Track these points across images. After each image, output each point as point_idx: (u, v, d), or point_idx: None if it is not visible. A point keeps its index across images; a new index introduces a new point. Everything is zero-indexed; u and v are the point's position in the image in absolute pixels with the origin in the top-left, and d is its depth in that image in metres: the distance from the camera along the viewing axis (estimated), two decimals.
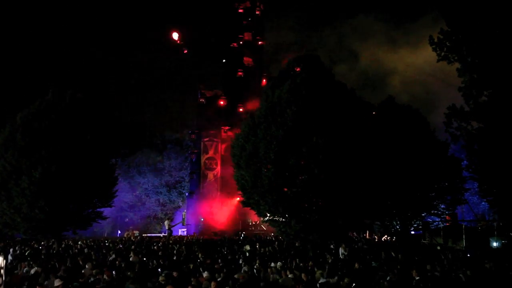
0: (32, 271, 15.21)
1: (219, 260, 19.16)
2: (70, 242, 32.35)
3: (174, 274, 13.55)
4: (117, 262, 17.96)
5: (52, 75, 65.86)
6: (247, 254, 22.74)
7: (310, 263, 14.30)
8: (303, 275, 13.79)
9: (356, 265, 16.31)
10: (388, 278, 13.80)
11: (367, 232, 38.62)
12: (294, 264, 17.64)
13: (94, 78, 74.04)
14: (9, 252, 21.12)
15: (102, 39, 75.03)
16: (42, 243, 30.65)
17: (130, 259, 19.11)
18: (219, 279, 13.27)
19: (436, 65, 30.91)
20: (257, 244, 28.79)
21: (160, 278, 12.87)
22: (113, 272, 14.53)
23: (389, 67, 64.26)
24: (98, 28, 74.22)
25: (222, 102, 54.97)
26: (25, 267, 16.07)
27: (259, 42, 56.91)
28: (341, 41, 75.17)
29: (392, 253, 20.86)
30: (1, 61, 60.28)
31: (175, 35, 58.30)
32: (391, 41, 67.17)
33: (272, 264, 16.74)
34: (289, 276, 13.89)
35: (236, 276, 14.26)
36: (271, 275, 14.43)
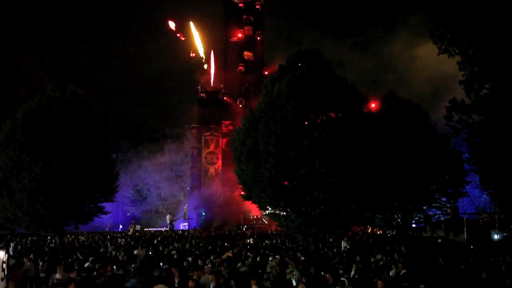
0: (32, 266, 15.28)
1: (221, 253, 19.22)
2: (73, 236, 32.52)
3: (174, 270, 13.55)
4: (120, 256, 18.02)
5: (51, 71, 65.81)
6: (249, 247, 22.83)
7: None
8: (311, 268, 13.85)
9: (358, 257, 16.36)
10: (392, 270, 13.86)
11: (370, 227, 38.69)
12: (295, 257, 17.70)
13: (93, 73, 73.96)
14: (10, 247, 21.18)
15: (101, 33, 74.80)
16: (48, 237, 30.78)
17: (135, 252, 19.17)
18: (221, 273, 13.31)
19: None
20: (258, 238, 28.90)
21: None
22: (114, 267, 14.57)
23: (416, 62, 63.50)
24: (98, 23, 73.97)
25: (222, 97, 54.90)
26: (27, 261, 16.11)
27: (259, 37, 56.77)
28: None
29: (396, 247, 20.90)
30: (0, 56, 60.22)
31: (172, 24, 58.52)
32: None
33: (270, 258, 16.77)
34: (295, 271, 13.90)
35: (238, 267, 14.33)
36: (273, 268, 14.44)
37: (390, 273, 13.56)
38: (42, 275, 13.68)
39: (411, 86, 60.48)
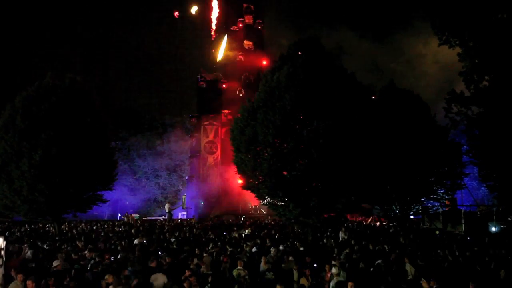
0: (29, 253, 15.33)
1: (219, 243, 19.30)
2: (72, 224, 32.60)
3: (168, 259, 13.60)
4: (118, 246, 18.09)
5: (49, 57, 65.38)
6: (247, 236, 22.93)
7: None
8: (307, 258, 13.90)
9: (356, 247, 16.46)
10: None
11: (370, 218, 38.80)
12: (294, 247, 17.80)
13: (93, 61, 73.52)
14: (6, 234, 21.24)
15: (101, 21, 74.22)
16: (43, 225, 30.86)
17: (135, 242, 19.22)
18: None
19: None
20: (254, 227, 28.99)
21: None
22: (112, 257, 14.61)
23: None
24: (97, 9, 73.42)
25: (222, 86, 54.71)
26: (26, 249, 16.17)
27: (260, 26, 56.45)
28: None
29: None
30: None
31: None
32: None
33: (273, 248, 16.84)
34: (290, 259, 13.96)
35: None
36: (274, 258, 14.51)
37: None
38: (31, 265, 13.67)
39: (424, 78, 59.94)
